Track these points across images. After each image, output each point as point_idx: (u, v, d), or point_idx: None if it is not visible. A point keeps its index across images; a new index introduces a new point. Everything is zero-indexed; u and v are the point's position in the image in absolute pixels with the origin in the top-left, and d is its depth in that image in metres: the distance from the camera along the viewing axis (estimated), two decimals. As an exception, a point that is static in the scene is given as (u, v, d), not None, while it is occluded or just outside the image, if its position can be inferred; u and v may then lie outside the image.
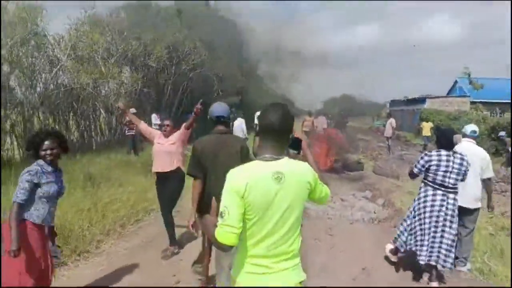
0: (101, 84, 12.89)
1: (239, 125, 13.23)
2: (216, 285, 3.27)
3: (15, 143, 9.32)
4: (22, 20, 9.29)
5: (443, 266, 3.96)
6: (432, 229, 3.93)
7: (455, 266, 4.21)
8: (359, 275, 4.37)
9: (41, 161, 3.01)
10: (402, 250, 4.30)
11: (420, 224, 4.02)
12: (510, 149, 11.44)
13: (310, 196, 1.86)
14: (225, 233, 1.68)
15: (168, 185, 4.75)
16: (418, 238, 4.03)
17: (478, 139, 4.85)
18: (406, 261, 4.43)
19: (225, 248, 1.72)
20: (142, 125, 5.05)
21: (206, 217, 1.95)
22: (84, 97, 11.90)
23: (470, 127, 4.72)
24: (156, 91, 16.32)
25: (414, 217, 4.09)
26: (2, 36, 8.63)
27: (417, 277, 4.27)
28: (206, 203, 3.10)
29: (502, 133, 12.96)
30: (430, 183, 3.97)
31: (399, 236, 4.32)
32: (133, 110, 12.25)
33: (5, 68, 8.87)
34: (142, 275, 4.28)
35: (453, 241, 3.94)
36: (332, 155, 11.17)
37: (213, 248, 3.16)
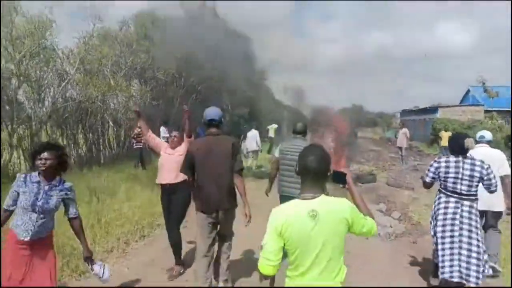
0: (110, 98, 12.87)
1: (253, 137, 13.20)
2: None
3: (21, 157, 9.25)
4: (30, 34, 9.30)
5: (466, 281, 3.59)
6: (447, 239, 3.65)
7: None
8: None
9: (34, 172, 3.02)
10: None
11: (436, 233, 3.77)
12: None
13: (350, 230, 1.95)
14: (263, 264, 1.93)
15: (175, 198, 4.51)
16: (439, 251, 3.73)
17: (491, 144, 4.78)
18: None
19: (265, 277, 1.99)
20: (150, 135, 4.82)
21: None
22: (93, 111, 11.86)
23: (479, 133, 4.78)
24: (165, 104, 16.28)
25: (433, 228, 3.86)
26: (11, 50, 8.64)
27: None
28: (199, 199, 3.67)
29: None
30: (443, 191, 3.78)
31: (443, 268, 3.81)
32: (138, 118, 12.22)
33: (14, 82, 8.85)
34: (145, 296, 4.04)
35: (477, 253, 3.58)
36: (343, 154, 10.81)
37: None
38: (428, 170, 3.87)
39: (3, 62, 8.77)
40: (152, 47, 14.25)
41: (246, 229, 3.81)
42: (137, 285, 4.30)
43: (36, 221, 2.94)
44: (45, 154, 2.96)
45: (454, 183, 3.67)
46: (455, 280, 3.60)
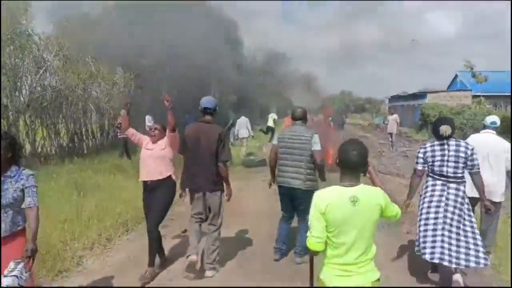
0: (92, 85, 12.39)
1: (243, 123, 13.18)
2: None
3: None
4: (3, 19, 8.77)
5: (457, 264, 3.59)
6: (431, 220, 3.68)
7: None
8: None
9: None
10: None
11: (421, 215, 3.80)
12: None
13: (382, 215, 2.18)
14: (312, 242, 2.15)
15: (157, 196, 4.18)
16: (422, 232, 3.75)
17: (498, 130, 4.61)
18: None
19: (315, 253, 2.25)
20: (130, 131, 4.40)
21: None
22: (74, 99, 11.39)
23: (490, 118, 4.55)
24: (151, 92, 15.80)
25: (421, 214, 3.83)
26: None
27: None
28: (188, 180, 4.07)
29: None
30: (431, 174, 3.82)
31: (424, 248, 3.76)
32: (123, 112, 11.80)
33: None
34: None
35: (465, 236, 3.60)
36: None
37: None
38: (417, 157, 3.89)
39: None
40: (137, 33, 13.71)
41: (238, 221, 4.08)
42: (117, 284, 4.05)
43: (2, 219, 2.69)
44: None
45: (440, 166, 3.70)
46: (436, 261, 3.64)
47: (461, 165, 3.66)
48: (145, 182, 4.27)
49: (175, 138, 4.25)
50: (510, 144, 4.32)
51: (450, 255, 3.55)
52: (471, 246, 3.57)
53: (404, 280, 4.09)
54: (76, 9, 11.66)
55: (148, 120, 12.74)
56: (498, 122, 4.52)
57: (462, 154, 3.64)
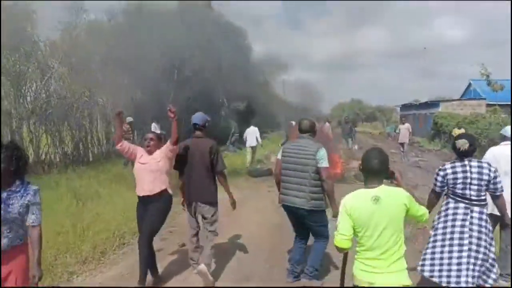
0: (97, 92, 12.29)
1: (252, 133, 13.03)
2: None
3: None
4: (8, 26, 8.69)
5: (484, 282, 3.36)
6: (456, 247, 3.37)
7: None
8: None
9: None
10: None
11: (436, 235, 3.49)
12: None
13: (408, 213, 2.34)
14: (338, 239, 2.36)
15: (151, 210, 3.93)
16: (434, 254, 3.46)
17: None
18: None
19: (341, 250, 2.43)
20: (122, 145, 4.03)
21: None
22: (79, 106, 11.28)
23: (510, 128, 4.28)
24: (157, 99, 15.65)
25: (436, 234, 3.52)
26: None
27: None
28: (187, 191, 4.15)
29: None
30: (452, 196, 3.50)
31: (423, 265, 3.52)
32: (129, 119, 11.64)
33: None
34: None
35: (487, 260, 3.36)
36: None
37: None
38: (436, 179, 3.57)
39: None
40: (143, 40, 13.62)
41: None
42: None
43: (3, 233, 2.56)
44: None
45: (463, 188, 3.42)
46: (452, 285, 3.33)
47: (484, 187, 3.43)
48: (140, 197, 4.03)
49: (175, 152, 4.01)
50: None
51: (467, 281, 3.31)
52: (490, 268, 3.39)
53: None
54: (82, 16, 11.55)
55: (154, 128, 12.57)
56: None
57: (485, 177, 3.39)
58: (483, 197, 3.43)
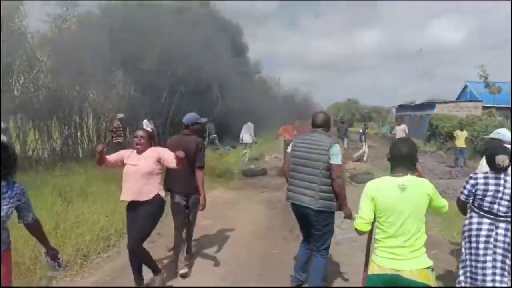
0: (89, 87, 11.95)
1: (247, 129, 13.22)
2: None
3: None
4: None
5: None
6: (480, 264, 3.16)
7: None
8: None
9: None
10: None
11: (470, 260, 3.24)
12: None
13: (430, 204, 2.40)
14: (359, 222, 2.48)
15: (142, 213, 3.65)
16: (471, 274, 3.22)
17: None
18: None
19: (360, 233, 2.53)
20: (107, 163, 3.74)
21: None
22: (69, 101, 10.94)
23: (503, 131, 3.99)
24: (151, 95, 15.33)
25: (464, 253, 3.32)
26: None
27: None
28: (170, 184, 4.27)
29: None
30: (476, 210, 3.24)
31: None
32: (120, 115, 11.34)
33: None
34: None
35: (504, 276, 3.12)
36: None
37: None
38: (464, 187, 3.30)
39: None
40: (137, 35, 13.28)
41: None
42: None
43: None
44: None
45: (491, 202, 3.16)
46: None
47: None
48: (129, 202, 3.74)
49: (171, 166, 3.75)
50: None
51: None
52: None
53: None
54: (72, 9, 11.19)
55: (146, 125, 12.27)
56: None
57: None
58: (510, 213, 3.17)
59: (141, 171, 3.61)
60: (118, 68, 13.43)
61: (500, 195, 3.11)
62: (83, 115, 12.23)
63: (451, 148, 17.61)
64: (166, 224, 5.92)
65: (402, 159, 2.44)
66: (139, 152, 3.73)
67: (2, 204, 2.42)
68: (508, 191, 3.10)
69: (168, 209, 4.26)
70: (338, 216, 3.75)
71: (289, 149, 3.79)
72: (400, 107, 35.45)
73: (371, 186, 2.45)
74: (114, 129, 10.80)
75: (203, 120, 4.90)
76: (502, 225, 3.11)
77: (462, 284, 3.24)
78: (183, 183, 4.18)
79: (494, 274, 3.07)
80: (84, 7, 11.46)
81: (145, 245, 3.79)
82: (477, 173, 3.27)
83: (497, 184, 3.13)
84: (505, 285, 3.07)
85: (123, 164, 3.77)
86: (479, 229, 3.18)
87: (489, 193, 3.14)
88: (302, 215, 3.62)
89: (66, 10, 10.53)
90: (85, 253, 4.78)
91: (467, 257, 3.23)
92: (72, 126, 11.59)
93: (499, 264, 3.08)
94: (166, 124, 16.65)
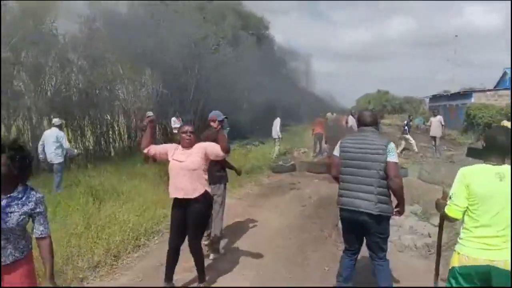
0: (119, 86, 12.15)
1: (275, 124, 13.30)
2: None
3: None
4: (26, 18, 8.58)
5: None
6: None
7: None
8: None
9: None
10: None
11: None
12: None
13: None
14: (453, 209, 2.39)
15: (194, 212, 3.65)
16: None
17: None
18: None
19: (451, 220, 2.50)
20: (150, 149, 3.72)
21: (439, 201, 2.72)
22: (100, 101, 11.16)
23: None
24: (180, 92, 15.41)
25: None
26: (4, 36, 7.93)
27: None
28: None
29: None
30: None
31: None
32: (149, 113, 11.43)
33: (6, 70, 8.12)
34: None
35: None
36: None
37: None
38: None
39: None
40: (163, 32, 13.36)
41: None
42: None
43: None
44: None
45: None
46: None
47: None
48: (177, 199, 3.69)
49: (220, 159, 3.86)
50: None
51: None
52: None
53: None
54: (102, 8, 11.36)
55: (174, 122, 12.36)
56: None
57: None
58: None
59: (189, 167, 3.58)
60: (146, 66, 13.55)
61: None
62: (114, 114, 12.44)
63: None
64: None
65: (499, 149, 2.37)
66: (187, 147, 3.67)
67: (14, 210, 2.31)
68: None
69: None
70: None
71: (336, 152, 3.51)
72: (434, 97, 34.11)
73: (466, 173, 2.37)
74: (143, 128, 10.92)
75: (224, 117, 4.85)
76: None
77: None
78: (212, 175, 4.21)
79: None
80: (113, 6, 11.58)
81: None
82: None
83: None
84: None
85: (166, 157, 3.73)
86: None
87: None
88: (357, 221, 3.30)
89: (95, 9, 10.67)
90: (115, 254, 4.80)
91: None
92: (104, 125, 11.81)
93: None
94: (195, 121, 16.74)
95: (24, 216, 2.35)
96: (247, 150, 14.24)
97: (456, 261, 2.36)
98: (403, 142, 14.40)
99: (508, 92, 24.86)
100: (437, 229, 5.66)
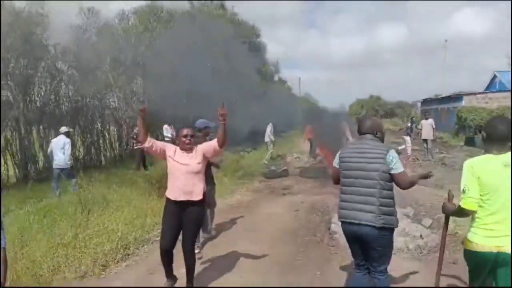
0: (109, 95, 12.09)
1: (267, 130, 13.72)
2: None
3: (9, 162, 8.52)
4: (17, 29, 8.51)
5: None
6: None
7: None
8: None
9: None
10: None
11: None
12: None
13: None
14: (469, 202, 2.44)
15: (191, 216, 3.69)
16: None
17: None
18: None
19: (467, 213, 2.51)
20: (148, 142, 3.67)
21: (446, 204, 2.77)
22: (90, 109, 11.08)
23: None
24: (172, 100, 15.34)
25: None
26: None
27: None
28: None
29: None
30: None
31: None
32: (140, 119, 11.38)
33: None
34: None
35: None
36: None
37: None
38: None
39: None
40: (154, 40, 13.34)
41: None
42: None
43: None
44: None
45: None
46: None
47: None
48: (174, 201, 3.68)
49: (218, 154, 3.95)
50: None
51: None
52: None
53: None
54: (93, 19, 11.33)
55: (166, 130, 12.28)
56: None
57: None
58: None
59: (194, 170, 3.62)
60: (137, 74, 13.50)
61: None
62: (105, 122, 12.35)
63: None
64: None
65: (500, 138, 2.45)
66: (187, 150, 3.66)
67: None
68: None
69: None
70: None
71: (335, 163, 3.36)
72: (425, 101, 34.40)
73: (476, 165, 2.45)
74: (134, 136, 10.84)
75: (213, 124, 4.93)
76: None
77: None
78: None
79: None
80: (101, 16, 11.56)
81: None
82: None
83: None
84: None
85: (163, 155, 3.72)
86: None
87: None
88: (358, 234, 3.12)
89: (87, 19, 10.64)
90: (103, 263, 4.70)
91: None
92: (94, 134, 11.72)
93: None
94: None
95: None
96: (240, 156, 14.20)
97: (469, 247, 2.49)
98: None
99: (497, 94, 25.18)
100: (429, 231, 5.73)
